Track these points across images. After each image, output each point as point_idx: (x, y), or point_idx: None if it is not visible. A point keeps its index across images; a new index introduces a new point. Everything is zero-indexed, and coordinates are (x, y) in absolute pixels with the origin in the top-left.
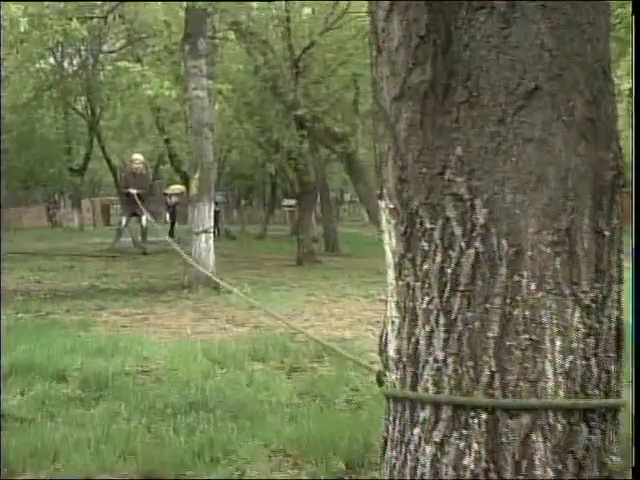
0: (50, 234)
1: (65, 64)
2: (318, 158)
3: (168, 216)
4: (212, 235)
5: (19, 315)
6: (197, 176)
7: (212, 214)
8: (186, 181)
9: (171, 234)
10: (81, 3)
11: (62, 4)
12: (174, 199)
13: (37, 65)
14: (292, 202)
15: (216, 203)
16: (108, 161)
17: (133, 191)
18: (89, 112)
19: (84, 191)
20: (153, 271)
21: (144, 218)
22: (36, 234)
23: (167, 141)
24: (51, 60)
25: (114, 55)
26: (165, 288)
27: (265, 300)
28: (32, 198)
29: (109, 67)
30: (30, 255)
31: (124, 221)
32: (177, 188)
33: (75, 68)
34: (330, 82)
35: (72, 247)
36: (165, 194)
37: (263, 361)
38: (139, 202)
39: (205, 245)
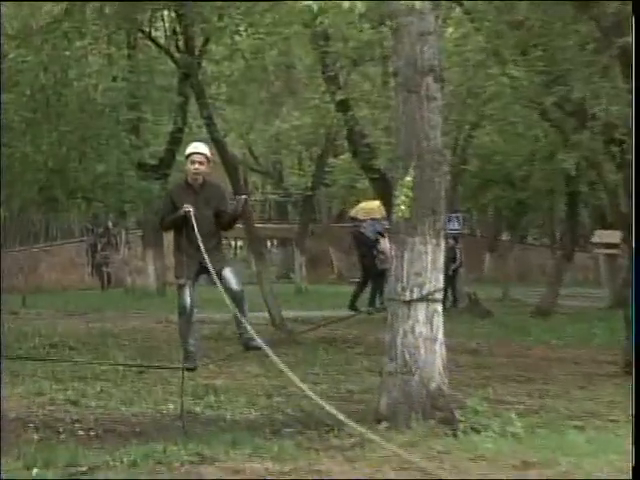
0: (98, 302)
1: None
2: None
3: (363, 264)
4: (441, 305)
5: (34, 472)
6: (409, 179)
7: (441, 259)
8: (383, 193)
9: (371, 301)
10: None
11: None
12: (371, 228)
13: None
14: (616, 236)
15: (454, 239)
16: (217, 143)
17: (189, 210)
18: (180, 43)
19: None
20: (314, 382)
21: (229, 275)
22: (70, 304)
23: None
24: None
25: None
26: (334, 420)
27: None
28: (59, 224)
29: None
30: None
31: (186, 293)
32: (373, 209)
33: None
34: None
35: (150, 337)
36: (354, 220)
37: None
38: (200, 244)
39: (425, 329)
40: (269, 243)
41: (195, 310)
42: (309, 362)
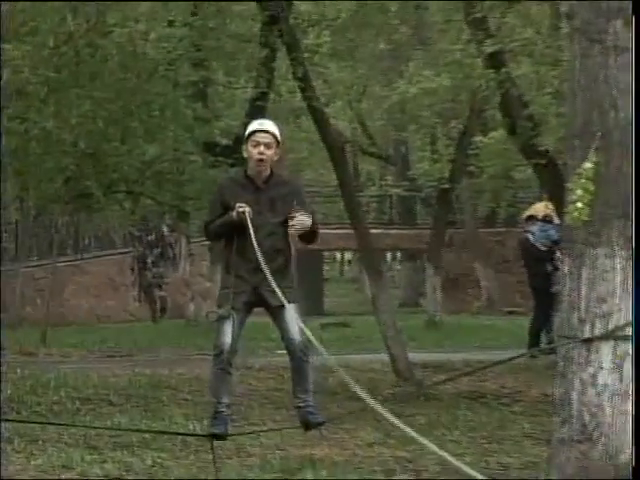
0: (148, 339)
1: None
2: None
3: (532, 286)
4: (632, 345)
5: None
6: (589, 166)
7: (631, 278)
8: (551, 186)
9: (533, 338)
10: None
11: None
12: (542, 234)
13: None
14: None
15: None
16: (316, 115)
17: (244, 210)
18: None
19: None
20: (454, 452)
21: (292, 316)
22: (108, 342)
23: None
24: None
25: None
26: None
27: None
28: (93, 230)
29: None
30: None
31: (227, 330)
32: (548, 207)
33: None
34: None
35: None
36: (531, 219)
37: None
38: (261, 259)
39: (611, 380)
40: (390, 256)
41: (236, 354)
42: (446, 425)
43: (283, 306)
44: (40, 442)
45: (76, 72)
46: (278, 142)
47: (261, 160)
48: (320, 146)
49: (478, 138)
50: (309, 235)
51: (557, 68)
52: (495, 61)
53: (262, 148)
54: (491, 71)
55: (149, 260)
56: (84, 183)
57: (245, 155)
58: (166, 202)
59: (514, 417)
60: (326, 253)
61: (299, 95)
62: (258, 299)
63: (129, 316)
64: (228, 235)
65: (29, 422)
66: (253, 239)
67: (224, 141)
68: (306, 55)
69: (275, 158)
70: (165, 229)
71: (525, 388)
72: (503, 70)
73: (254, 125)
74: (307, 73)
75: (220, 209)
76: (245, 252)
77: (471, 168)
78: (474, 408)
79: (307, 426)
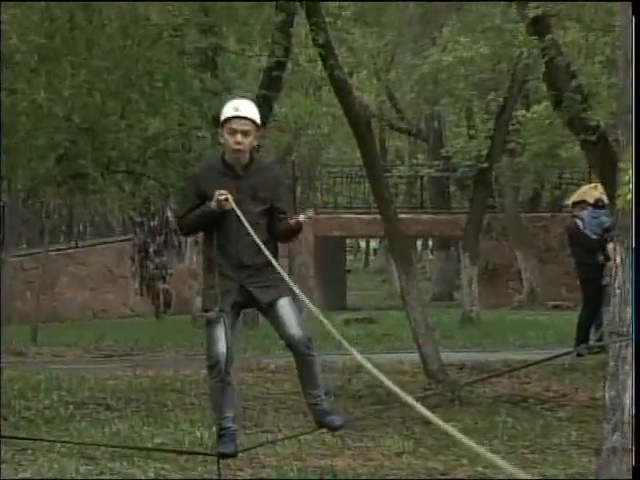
0: (150, 337)
1: None
2: None
3: (580, 277)
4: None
5: None
6: None
7: None
8: (602, 165)
9: (581, 336)
10: None
11: None
12: (593, 221)
13: None
14: None
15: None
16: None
17: (225, 196)
18: None
19: None
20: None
21: (287, 310)
22: (106, 340)
23: None
24: None
25: None
26: None
27: None
28: (89, 215)
29: None
30: None
31: (218, 336)
32: (599, 190)
33: None
34: None
35: None
36: (580, 203)
37: None
38: (262, 247)
39: None
40: (420, 244)
41: (233, 361)
42: (483, 432)
43: (276, 302)
44: (30, 451)
45: (70, 38)
46: (258, 126)
47: (238, 150)
48: (343, 121)
49: (520, 112)
50: (284, 235)
51: (608, 34)
52: (539, 26)
53: (239, 137)
54: (534, 37)
55: (151, 249)
56: (79, 162)
57: (222, 141)
58: (171, 183)
59: (559, 424)
60: (349, 241)
61: (320, 64)
62: (247, 298)
63: (129, 311)
64: (206, 228)
65: (17, 437)
66: (245, 222)
67: None
68: (328, 19)
69: (255, 143)
70: (170, 214)
71: (571, 391)
72: (548, 36)
73: (229, 110)
74: (329, 39)
75: (196, 200)
76: (226, 247)
77: (512, 145)
78: (515, 413)
79: (321, 425)
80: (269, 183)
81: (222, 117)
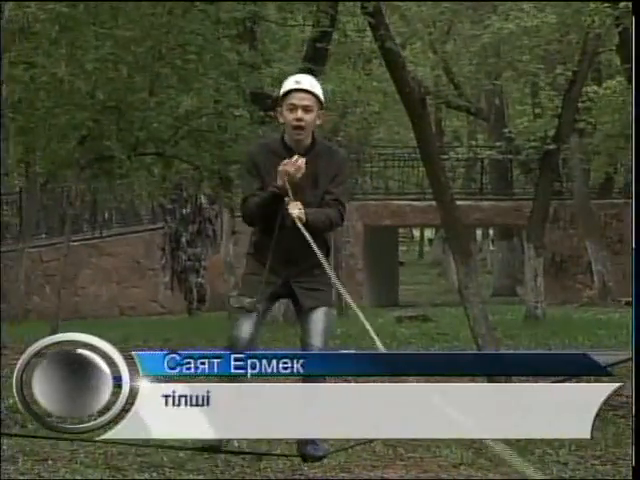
0: (182, 336)
1: None
2: None
3: None
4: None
5: None
6: None
7: None
8: None
9: None
10: None
11: None
12: None
13: None
14: None
15: None
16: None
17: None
18: None
19: None
20: (559, 476)
21: (320, 323)
22: (134, 339)
23: None
24: None
25: None
26: None
27: None
28: (115, 201)
29: None
30: None
31: (246, 324)
32: None
33: None
34: None
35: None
36: None
37: None
38: (313, 244)
39: None
40: (480, 234)
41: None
42: (549, 441)
43: (314, 310)
44: (50, 462)
45: (94, 6)
46: (321, 103)
47: (299, 128)
48: (395, 98)
49: (590, 88)
50: (322, 226)
51: None
52: None
53: (300, 113)
54: (607, 5)
55: (183, 239)
56: (104, 143)
57: (280, 120)
58: (205, 166)
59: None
60: (402, 230)
61: (369, 35)
62: (288, 294)
63: (159, 307)
64: (270, 217)
65: (35, 437)
66: (305, 231)
67: (276, 92)
68: None
69: (318, 122)
70: (203, 200)
71: None
72: (622, 3)
73: (290, 83)
74: (379, 7)
75: (256, 182)
76: (280, 239)
77: (582, 125)
78: None
79: (302, 455)
80: (332, 169)
81: (281, 91)
